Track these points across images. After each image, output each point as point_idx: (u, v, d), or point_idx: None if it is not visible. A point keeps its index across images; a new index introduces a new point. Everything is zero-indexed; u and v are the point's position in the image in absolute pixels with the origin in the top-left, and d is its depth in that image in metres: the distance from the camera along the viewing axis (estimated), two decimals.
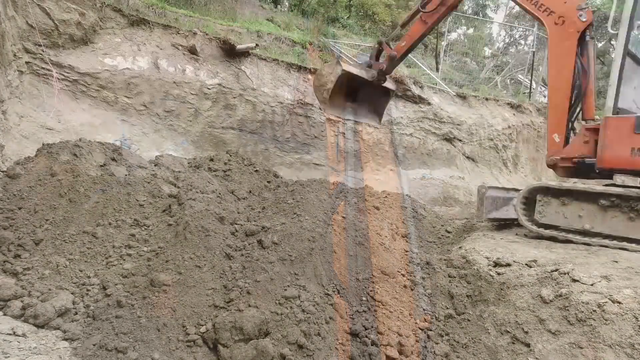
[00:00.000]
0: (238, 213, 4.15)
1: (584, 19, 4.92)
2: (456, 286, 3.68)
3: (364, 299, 3.27)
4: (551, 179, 12.57)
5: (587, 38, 5.02)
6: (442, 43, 17.72)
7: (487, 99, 14.10)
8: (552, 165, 5.17)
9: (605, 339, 2.68)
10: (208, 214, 3.72)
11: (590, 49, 5.06)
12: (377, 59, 7.07)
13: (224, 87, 9.19)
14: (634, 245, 4.07)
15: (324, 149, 10.41)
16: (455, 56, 21.17)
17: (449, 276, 3.81)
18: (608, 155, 4.41)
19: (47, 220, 3.74)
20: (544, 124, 15.75)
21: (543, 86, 16.25)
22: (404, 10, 21.15)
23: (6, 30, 5.81)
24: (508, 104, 14.38)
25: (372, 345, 2.92)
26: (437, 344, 3.14)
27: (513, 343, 3.12)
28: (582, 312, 2.86)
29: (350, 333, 2.98)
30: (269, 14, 15.47)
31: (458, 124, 12.64)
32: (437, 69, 15.82)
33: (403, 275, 3.65)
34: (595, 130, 4.85)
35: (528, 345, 3.03)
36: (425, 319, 3.32)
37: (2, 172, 4.30)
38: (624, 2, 4.72)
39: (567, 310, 2.95)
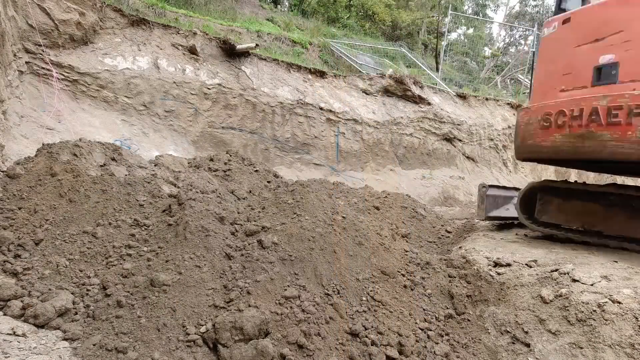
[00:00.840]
0: (238, 213, 4.15)
1: None
2: (456, 286, 3.68)
3: (364, 299, 3.27)
4: (552, 178, 12.56)
5: None
6: (442, 43, 17.73)
7: (487, 99, 14.12)
8: None
9: (605, 339, 2.68)
10: (208, 214, 3.73)
11: None
12: None
13: (224, 87, 9.19)
14: (634, 244, 4.07)
15: (324, 149, 10.42)
16: (455, 56, 21.19)
17: (449, 276, 3.81)
18: None
19: (47, 220, 3.74)
20: None
21: None
22: (404, 10, 21.17)
23: (6, 30, 5.81)
24: (508, 104, 14.40)
25: (372, 345, 2.92)
26: (437, 344, 3.14)
27: (513, 343, 3.12)
28: (582, 312, 2.86)
29: (350, 333, 2.98)
30: (269, 14, 15.48)
31: (458, 124, 12.65)
32: (437, 69, 15.84)
33: (403, 275, 3.65)
34: None
35: (528, 345, 3.03)
36: (425, 319, 3.32)
37: (2, 172, 4.30)
38: None
39: (567, 310, 2.95)
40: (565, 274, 3.21)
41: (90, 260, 3.51)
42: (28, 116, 6.49)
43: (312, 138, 10.28)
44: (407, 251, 4.03)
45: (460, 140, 12.75)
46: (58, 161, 4.27)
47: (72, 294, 3.12)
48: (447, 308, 3.51)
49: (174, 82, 8.57)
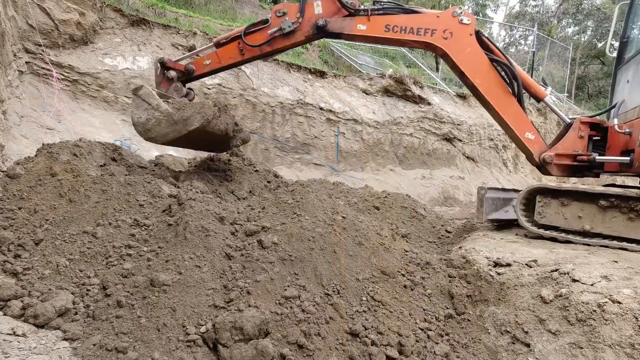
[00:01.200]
0: (238, 213, 4.15)
1: (468, 21, 4.93)
2: (456, 286, 3.68)
3: (364, 299, 3.28)
4: (551, 179, 12.59)
5: (484, 35, 5.05)
6: None
7: None
8: (545, 164, 5.04)
9: (605, 339, 2.69)
10: (208, 214, 3.73)
11: (492, 42, 5.13)
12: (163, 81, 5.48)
13: (223, 87, 9.19)
14: (634, 245, 4.07)
15: (324, 149, 10.43)
16: None
17: (449, 276, 3.81)
18: None
19: (47, 220, 3.74)
20: (544, 123, 15.75)
21: (543, 85, 16.24)
22: None
23: (6, 30, 5.81)
24: None
25: (372, 345, 2.92)
26: (437, 344, 3.14)
27: (513, 343, 3.13)
28: (582, 312, 2.86)
29: (350, 333, 2.98)
30: (269, 14, 15.46)
31: (458, 124, 12.65)
32: (437, 69, 15.83)
33: (403, 275, 3.65)
34: (589, 125, 4.91)
35: (528, 345, 3.03)
36: (425, 319, 3.32)
37: (2, 172, 4.30)
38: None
39: (567, 310, 2.95)
40: (565, 274, 3.21)
41: (90, 260, 3.51)
42: (28, 116, 6.49)
43: (312, 138, 10.29)
44: (407, 251, 4.03)
45: (460, 140, 12.75)
46: (58, 161, 4.27)
47: (72, 294, 3.12)
48: (447, 308, 3.52)
49: None
